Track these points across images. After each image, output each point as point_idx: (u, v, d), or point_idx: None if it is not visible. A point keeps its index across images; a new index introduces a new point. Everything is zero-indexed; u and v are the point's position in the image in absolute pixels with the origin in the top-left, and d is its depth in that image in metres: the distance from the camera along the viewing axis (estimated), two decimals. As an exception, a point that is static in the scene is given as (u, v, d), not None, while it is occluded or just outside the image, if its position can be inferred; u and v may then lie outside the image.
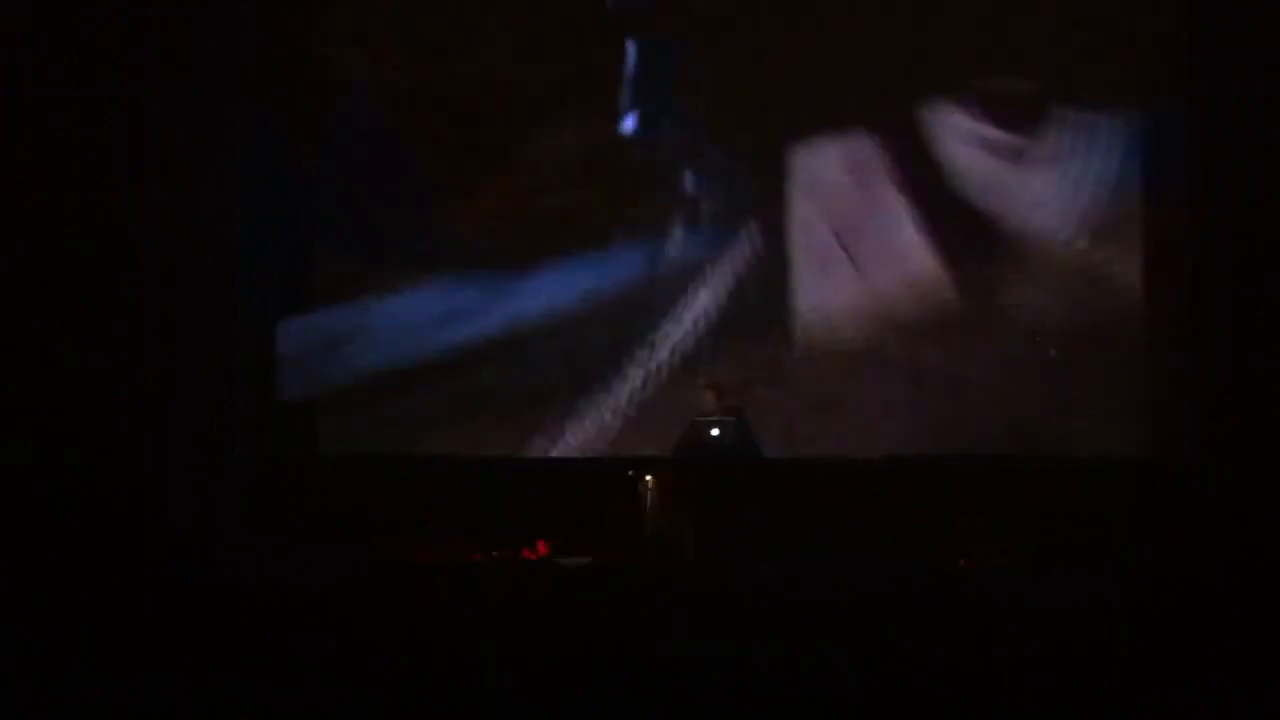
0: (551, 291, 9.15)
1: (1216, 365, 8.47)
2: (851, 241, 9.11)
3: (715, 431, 8.21)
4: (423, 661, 6.02)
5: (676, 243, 9.19)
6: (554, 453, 9.12)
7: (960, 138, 9.07)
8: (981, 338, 8.99)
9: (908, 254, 9.02)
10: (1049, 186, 8.98)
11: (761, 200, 9.18)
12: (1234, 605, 6.36)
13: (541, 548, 8.35)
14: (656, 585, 7.08)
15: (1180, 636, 6.08)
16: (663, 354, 9.11)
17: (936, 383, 8.93)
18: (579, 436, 9.11)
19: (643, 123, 9.26)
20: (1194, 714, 5.51)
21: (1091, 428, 8.77)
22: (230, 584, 6.76)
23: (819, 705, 5.67)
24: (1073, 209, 8.96)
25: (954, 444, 8.79)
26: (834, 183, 9.10)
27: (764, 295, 9.12)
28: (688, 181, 9.21)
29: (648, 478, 7.95)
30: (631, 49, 9.22)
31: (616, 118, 9.25)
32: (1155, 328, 8.78)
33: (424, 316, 9.22)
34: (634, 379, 9.11)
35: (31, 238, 8.51)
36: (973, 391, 8.92)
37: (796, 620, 6.44)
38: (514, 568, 8.03)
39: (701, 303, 9.13)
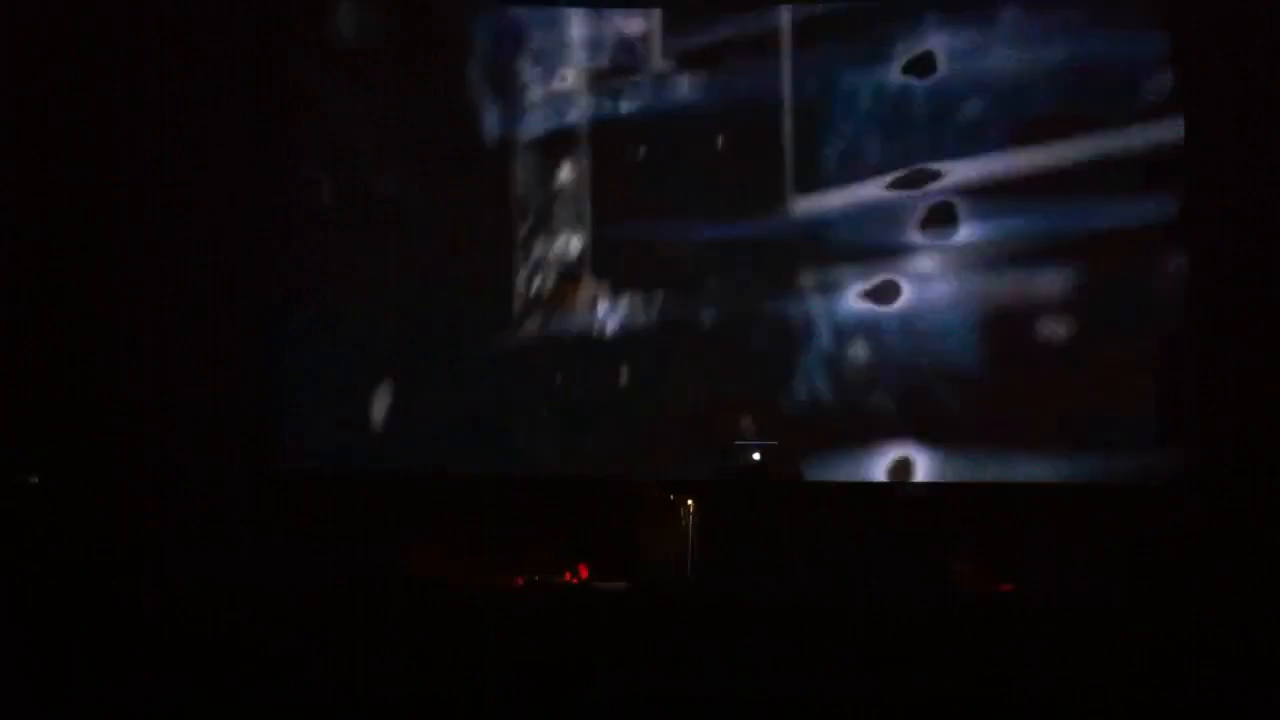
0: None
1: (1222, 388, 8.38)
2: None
3: (756, 456, 8.20)
4: (458, 684, 6.03)
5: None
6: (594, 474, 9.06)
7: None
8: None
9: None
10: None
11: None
12: (1245, 626, 6.31)
13: (583, 571, 8.36)
14: (694, 609, 7.07)
15: (1187, 661, 6.04)
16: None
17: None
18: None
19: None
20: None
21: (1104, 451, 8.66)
22: (252, 599, 6.80)
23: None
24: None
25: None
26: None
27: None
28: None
29: (688, 501, 7.93)
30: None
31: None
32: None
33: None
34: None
35: (32, 240, 8.60)
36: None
37: (838, 645, 6.43)
38: (554, 591, 8.04)
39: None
